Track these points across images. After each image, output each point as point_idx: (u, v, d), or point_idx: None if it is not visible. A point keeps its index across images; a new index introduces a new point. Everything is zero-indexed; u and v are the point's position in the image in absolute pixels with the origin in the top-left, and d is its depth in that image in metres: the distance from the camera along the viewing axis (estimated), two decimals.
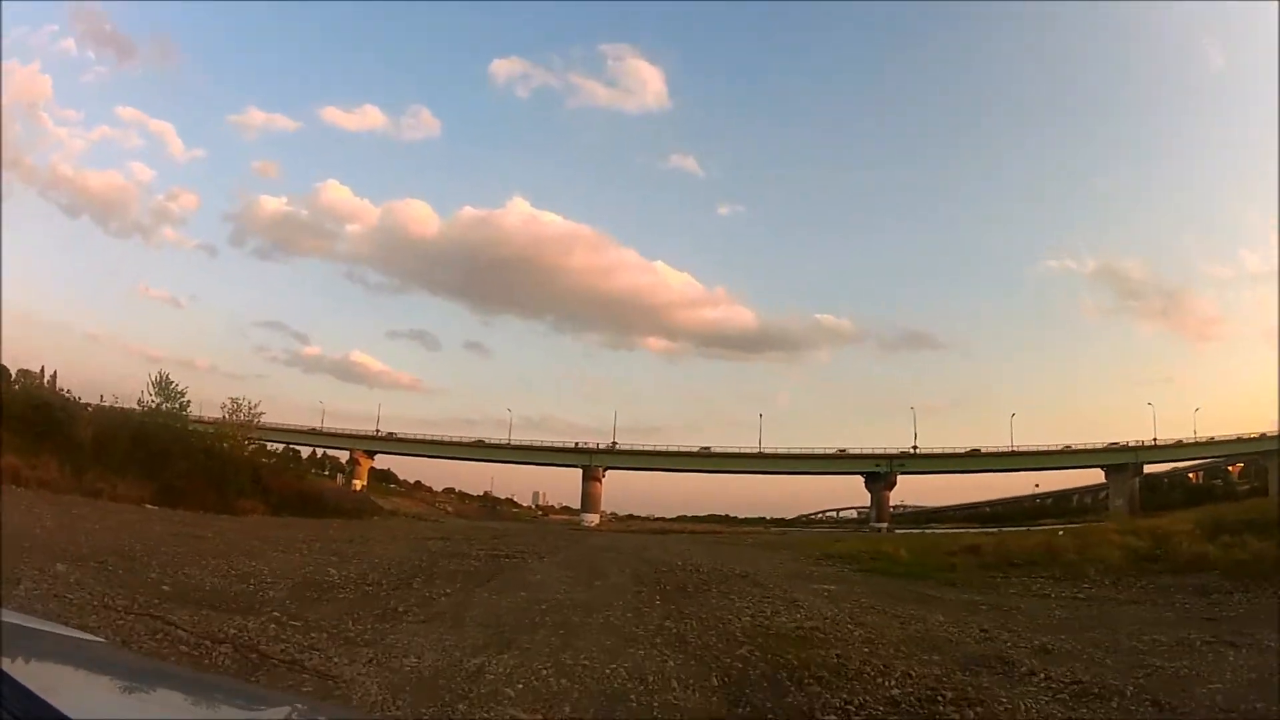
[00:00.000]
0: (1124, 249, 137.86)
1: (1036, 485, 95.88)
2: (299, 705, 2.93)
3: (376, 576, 13.55)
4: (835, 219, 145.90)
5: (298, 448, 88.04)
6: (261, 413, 44.67)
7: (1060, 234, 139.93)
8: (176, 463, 32.63)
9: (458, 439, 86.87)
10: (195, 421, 42.53)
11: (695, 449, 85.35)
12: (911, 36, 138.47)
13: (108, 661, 2.47)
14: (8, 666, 1.44)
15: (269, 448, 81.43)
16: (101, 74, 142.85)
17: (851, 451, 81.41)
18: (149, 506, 26.89)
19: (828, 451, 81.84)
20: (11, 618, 2.29)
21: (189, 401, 39.81)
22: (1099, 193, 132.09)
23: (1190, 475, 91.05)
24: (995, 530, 47.38)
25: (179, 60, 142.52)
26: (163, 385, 39.83)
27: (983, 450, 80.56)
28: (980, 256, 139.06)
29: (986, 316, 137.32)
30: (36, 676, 1.60)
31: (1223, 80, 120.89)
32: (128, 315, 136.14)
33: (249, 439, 42.28)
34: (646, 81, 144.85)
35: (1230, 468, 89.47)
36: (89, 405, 38.96)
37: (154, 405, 39.32)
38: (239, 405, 43.98)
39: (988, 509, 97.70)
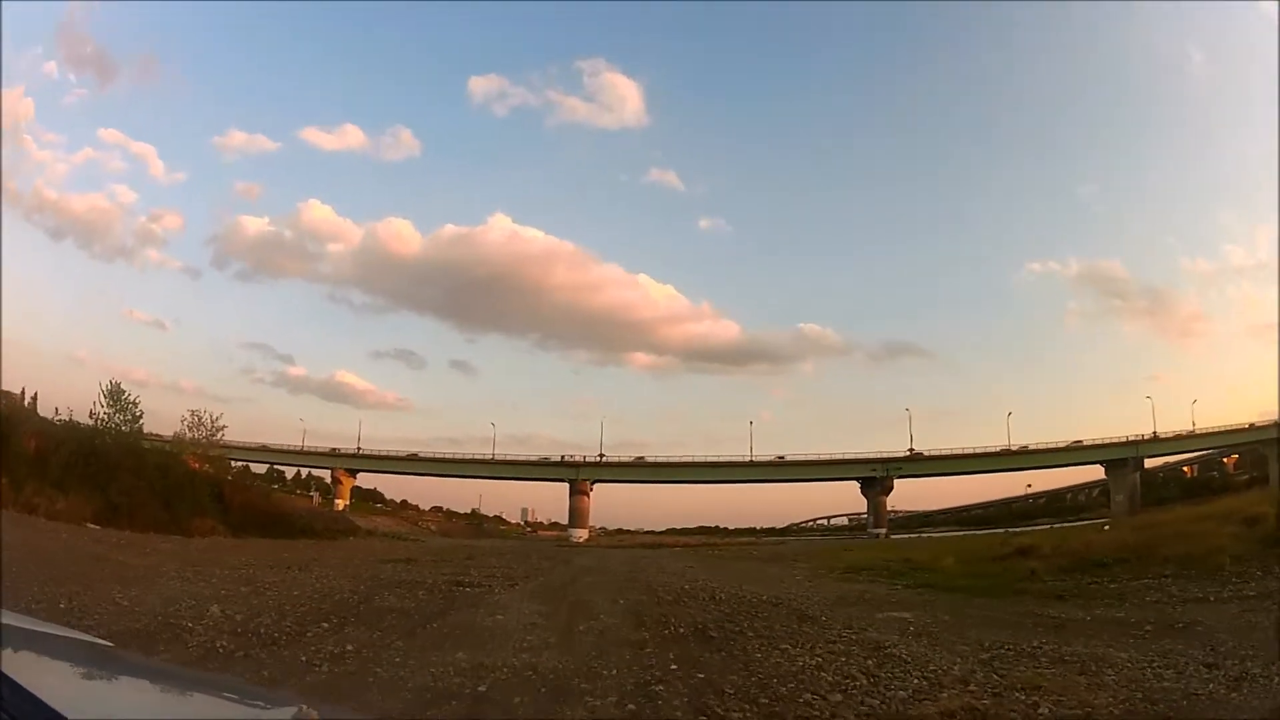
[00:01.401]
0: (1106, 250, 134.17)
1: (1029, 486, 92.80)
2: (300, 705, 2.80)
3: (267, 621, 9.21)
4: (817, 230, 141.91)
5: (282, 467, 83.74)
6: (224, 426, 39.56)
7: (1042, 238, 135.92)
8: (125, 479, 28.48)
9: (441, 455, 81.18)
10: (153, 438, 37.58)
11: (684, 459, 79.91)
12: (890, 49, 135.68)
13: (108, 661, 2.31)
14: (8, 666, 1.39)
15: (250, 468, 77.94)
16: (83, 96, 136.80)
17: (847, 457, 76.35)
18: (90, 525, 23.47)
19: (823, 458, 76.81)
20: (11, 618, 2.17)
21: (142, 414, 34.74)
22: (1079, 195, 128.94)
23: (1185, 470, 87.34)
24: (1004, 531, 43.45)
25: (160, 82, 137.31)
26: (115, 396, 34.86)
27: (981, 450, 75.66)
28: (963, 264, 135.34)
29: (971, 324, 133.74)
30: (36, 676, 1.52)
31: (1200, 79, 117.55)
32: (112, 338, 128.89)
33: (211, 455, 37.23)
34: (625, 97, 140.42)
35: (1225, 460, 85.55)
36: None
37: (105, 418, 34.41)
38: (199, 419, 38.89)
39: (979, 511, 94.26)
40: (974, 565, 19.33)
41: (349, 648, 7.69)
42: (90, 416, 34.74)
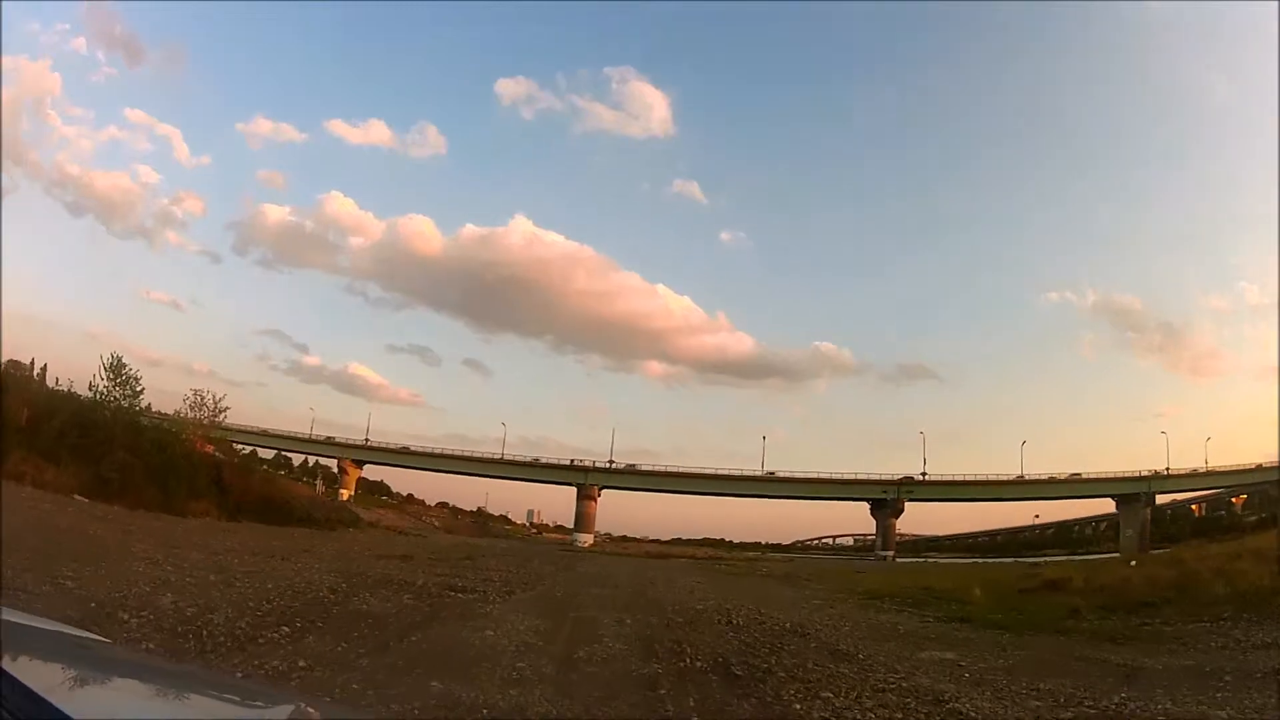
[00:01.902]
0: (1122, 282, 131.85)
1: (1036, 516, 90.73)
2: (300, 705, 2.50)
3: (220, 619, 7.88)
4: (836, 249, 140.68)
5: (289, 454, 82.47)
6: (226, 407, 38.27)
7: (1059, 267, 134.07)
8: (119, 453, 27.33)
9: (449, 451, 79.76)
10: (160, 416, 36.39)
11: (695, 470, 78.08)
12: (911, 70, 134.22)
13: (108, 661, 2.29)
14: (8, 666, 1.35)
15: (257, 453, 76.79)
16: (111, 75, 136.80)
17: (859, 477, 74.37)
18: (77, 498, 22.69)
19: (834, 476, 74.95)
20: (12, 617, 2.14)
21: (143, 389, 33.59)
22: (1097, 225, 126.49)
23: (1193, 508, 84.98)
24: (1014, 560, 41.73)
25: (188, 65, 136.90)
26: (116, 369, 33.69)
27: (994, 478, 73.51)
28: (980, 289, 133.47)
29: (985, 350, 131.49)
30: (36, 676, 1.51)
31: (1222, 111, 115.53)
32: (129, 317, 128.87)
33: (212, 436, 36.05)
34: (652, 106, 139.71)
35: (1234, 499, 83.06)
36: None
37: (105, 391, 33.29)
38: (202, 398, 37.58)
39: (985, 539, 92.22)
40: (1003, 598, 17.78)
41: (301, 663, 6.28)
42: (90, 389, 33.69)
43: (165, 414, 38.46)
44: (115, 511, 22.90)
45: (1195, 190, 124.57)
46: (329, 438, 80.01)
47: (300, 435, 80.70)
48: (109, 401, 32.61)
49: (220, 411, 37.61)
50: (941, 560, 64.76)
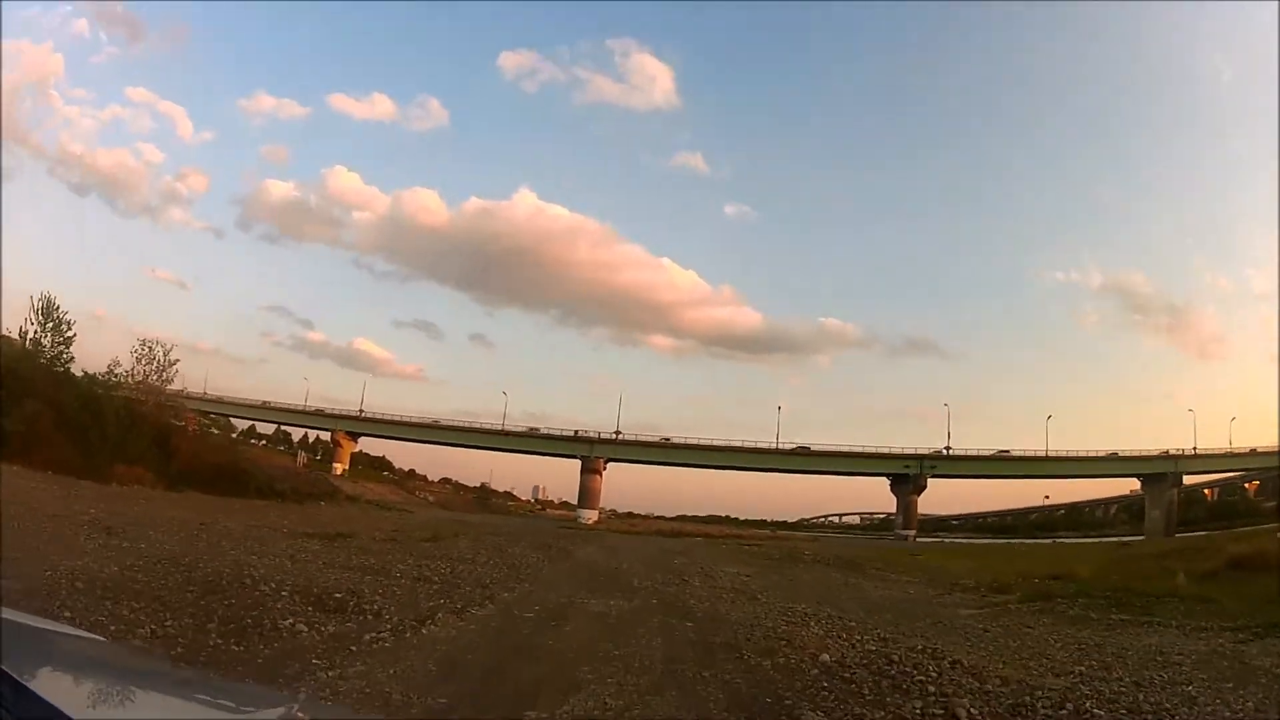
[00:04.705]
0: (1129, 263, 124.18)
1: (1046, 497, 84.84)
2: (298, 705, 2.63)
3: None
4: (841, 223, 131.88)
5: (289, 428, 76.09)
6: (176, 359, 31.60)
7: (1065, 246, 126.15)
8: (30, 405, 22.13)
9: (447, 422, 72.21)
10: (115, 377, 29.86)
11: (706, 443, 71.10)
12: (919, 43, 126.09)
13: (108, 661, 2.22)
14: (8, 666, 1.28)
15: (256, 427, 70.62)
16: (113, 55, 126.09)
17: (879, 451, 67.62)
18: None
19: (855, 450, 68.17)
20: (12, 617, 2.02)
21: (74, 335, 28.02)
22: (1104, 206, 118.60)
23: (1205, 492, 78.64)
24: (1054, 541, 35.37)
25: (189, 43, 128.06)
26: (47, 311, 27.49)
27: (1019, 454, 66.85)
28: (985, 266, 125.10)
29: (990, 326, 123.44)
30: (36, 676, 1.46)
31: (1230, 92, 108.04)
32: (133, 295, 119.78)
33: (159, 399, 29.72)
34: (655, 78, 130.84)
35: (1246, 485, 76.78)
36: None
37: (35, 334, 27.16)
38: (151, 350, 30.94)
39: (994, 520, 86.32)
40: (1204, 586, 11.21)
41: None
42: (20, 334, 27.35)
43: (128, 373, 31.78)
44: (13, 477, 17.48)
45: (1200, 172, 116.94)
46: (320, 409, 73.45)
47: (292, 407, 74.19)
48: (40, 350, 26.58)
49: (169, 365, 30.89)
50: (961, 540, 58.39)
